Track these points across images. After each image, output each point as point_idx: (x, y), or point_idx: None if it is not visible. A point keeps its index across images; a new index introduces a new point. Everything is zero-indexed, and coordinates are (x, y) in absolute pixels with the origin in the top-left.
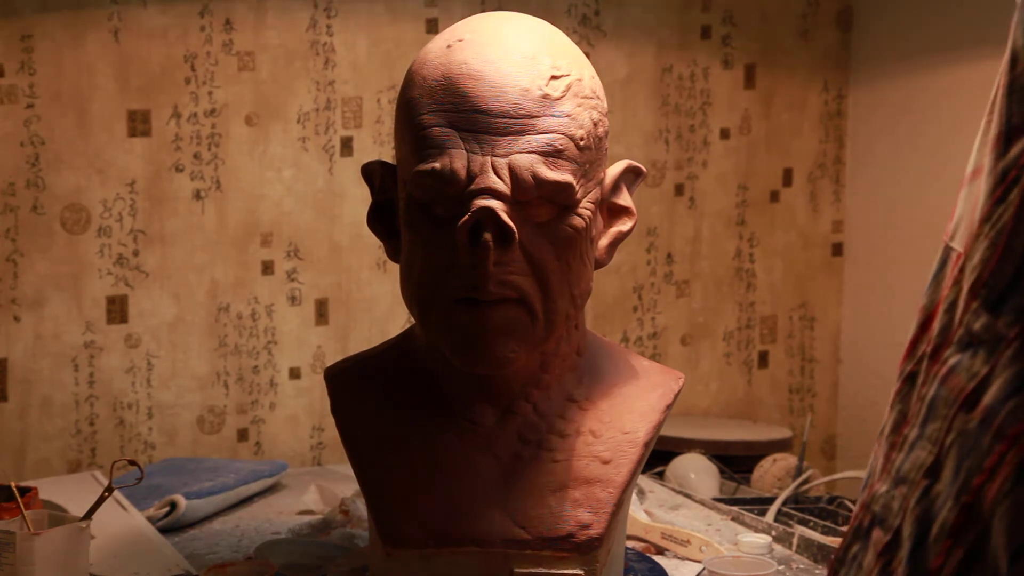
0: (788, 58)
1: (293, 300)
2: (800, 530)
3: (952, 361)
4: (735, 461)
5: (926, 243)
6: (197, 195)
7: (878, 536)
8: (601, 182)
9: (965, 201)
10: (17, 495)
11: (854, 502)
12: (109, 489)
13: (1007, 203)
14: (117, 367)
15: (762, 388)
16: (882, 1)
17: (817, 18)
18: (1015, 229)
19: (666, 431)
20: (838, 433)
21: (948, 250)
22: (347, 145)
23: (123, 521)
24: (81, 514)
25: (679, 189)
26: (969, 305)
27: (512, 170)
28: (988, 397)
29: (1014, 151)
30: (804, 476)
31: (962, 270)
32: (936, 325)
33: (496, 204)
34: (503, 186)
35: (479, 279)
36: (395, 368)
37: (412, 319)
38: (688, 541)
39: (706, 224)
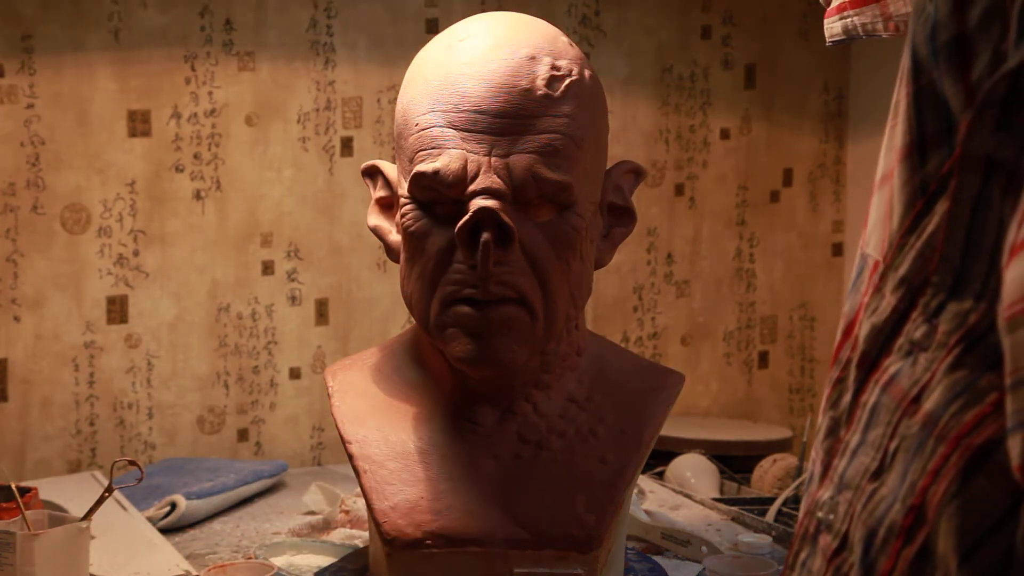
0: (788, 58)
1: (293, 300)
2: None
3: (893, 369)
4: (735, 461)
5: None
6: (197, 195)
7: (826, 541)
8: (601, 182)
9: (876, 208)
10: (17, 495)
11: None
12: (109, 489)
13: (932, 214)
14: (117, 367)
15: (762, 388)
16: None
17: (817, 18)
18: (948, 239)
19: (666, 431)
20: None
21: (864, 257)
22: (347, 145)
23: (123, 521)
24: (81, 514)
25: (679, 189)
26: (908, 315)
27: (512, 170)
28: (930, 403)
29: (932, 162)
30: (804, 476)
31: (883, 278)
32: (860, 332)
33: (496, 204)
34: (503, 186)
35: (479, 279)
36: (395, 368)
37: (412, 319)
38: (688, 541)
39: (706, 224)
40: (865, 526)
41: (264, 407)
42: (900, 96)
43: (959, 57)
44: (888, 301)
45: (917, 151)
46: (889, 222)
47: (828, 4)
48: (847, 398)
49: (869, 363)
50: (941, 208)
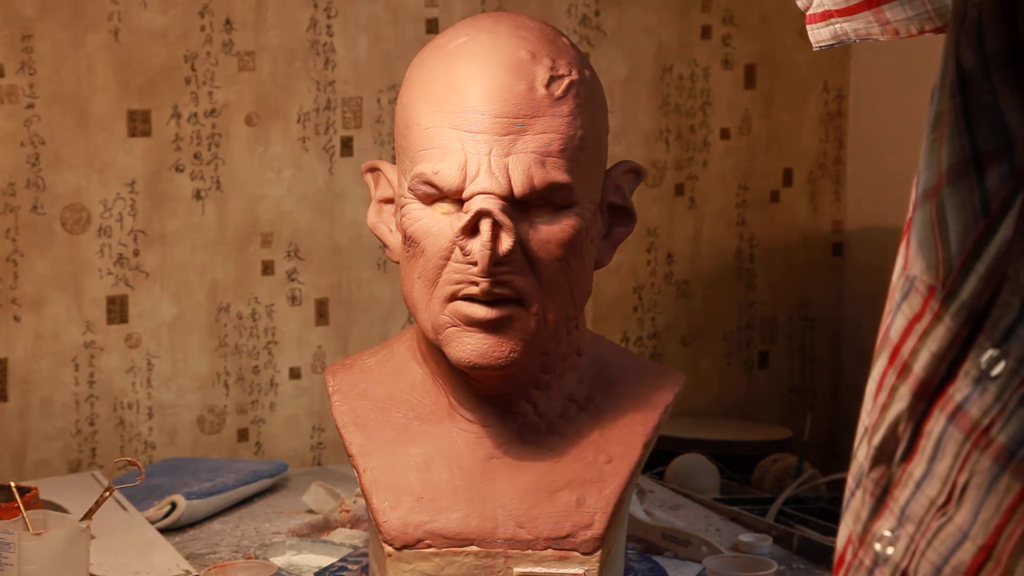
0: (788, 58)
1: (293, 300)
2: (800, 530)
3: (959, 397)
4: (735, 461)
5: None
6: (197, 195)
7: None
8: (601, 182)
9: (919, 227)
10: (17, 495)
11: None
12: (109, 489)
13: (996, 234)
14: (117, 367)
15: (762, 388)
16: None
17: None
18: (1016, 259)
19: (666, 431)
20: (839, 433)
21: (911, 280)
22: (347, 145)
23: (123, 521)
24: (81, 514)
25: (679, 189)
26: (973, 340)
27: (512, 170)
28: (1003, 436)
29: (991, 181)
30: (804, 476)
31: (943, 304)
32: (916, 360)
33: (495, 204)
34: (502, 186)
35: (479, 279)
36: (395, 368)
37: (412, 319)
38: (688, 541)
39: (706, 224)
40: (930, 563)
41: (264, 407)
42: (943, 108)
43: (1016, 68)
44: (949, 327)
45: (973, 169)
46: (940, 243)
47: (807, 9)
48: (900, 426)
49: (932, 391)
50: (1006, 228)
